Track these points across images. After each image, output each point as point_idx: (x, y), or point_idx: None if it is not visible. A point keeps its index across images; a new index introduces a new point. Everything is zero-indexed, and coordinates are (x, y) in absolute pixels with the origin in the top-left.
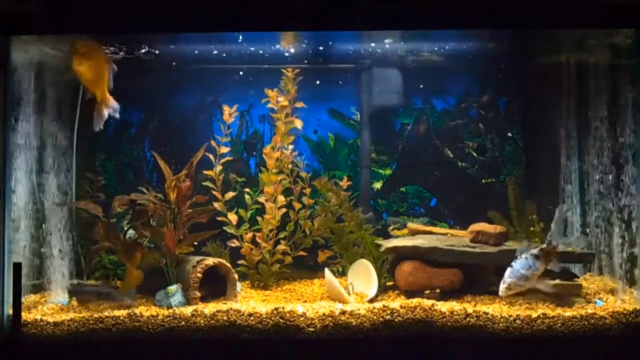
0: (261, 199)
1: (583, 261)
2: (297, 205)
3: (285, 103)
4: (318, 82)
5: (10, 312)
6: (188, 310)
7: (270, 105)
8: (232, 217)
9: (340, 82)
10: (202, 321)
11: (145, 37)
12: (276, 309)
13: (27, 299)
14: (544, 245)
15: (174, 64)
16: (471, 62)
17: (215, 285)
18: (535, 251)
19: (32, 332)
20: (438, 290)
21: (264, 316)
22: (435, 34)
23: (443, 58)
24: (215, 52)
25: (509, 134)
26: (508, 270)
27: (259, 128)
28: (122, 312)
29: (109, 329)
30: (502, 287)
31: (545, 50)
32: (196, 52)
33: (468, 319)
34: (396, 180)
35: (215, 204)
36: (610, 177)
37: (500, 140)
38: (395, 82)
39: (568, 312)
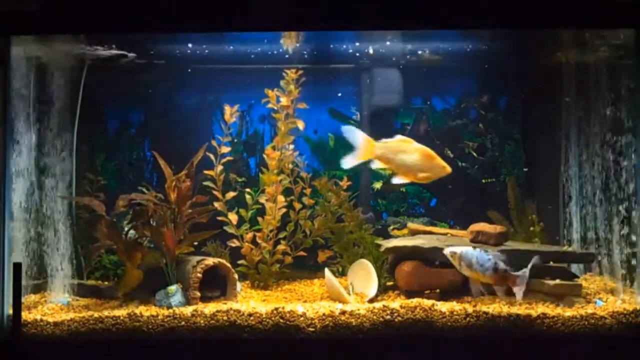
0: (261, 199)
1: (583, 261)
2: (297, 206)
3: (287, 103)
4: (318, 82)
5: (10, 312)
6: (188, 310)
7: (270, 106)
8: (233, 217)
9: (340, 82)
10: (202, 321)
11: (144, 37)
12: (276, 309)
13: (27, 299)
14: (510, 272)
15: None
16: (471, 61)
17: (215, 285)
18: (499, 266)
19: (32, 332)
20: (438, 290)
21: (264, 316)
22: (435, 33)
23: (443, 58)
24: (214, 51)
25: (513, 134)
26: (469, 248)
27: (259, 128)
28: (122, 312)
29: (109, 329)
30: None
31: (545, 49)
32: (196, 51)
33: (468, 319)
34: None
35: (216, 204)
36: (611, 175)
37: (500, 140)
38: (395, 82)
39: (568, 312)
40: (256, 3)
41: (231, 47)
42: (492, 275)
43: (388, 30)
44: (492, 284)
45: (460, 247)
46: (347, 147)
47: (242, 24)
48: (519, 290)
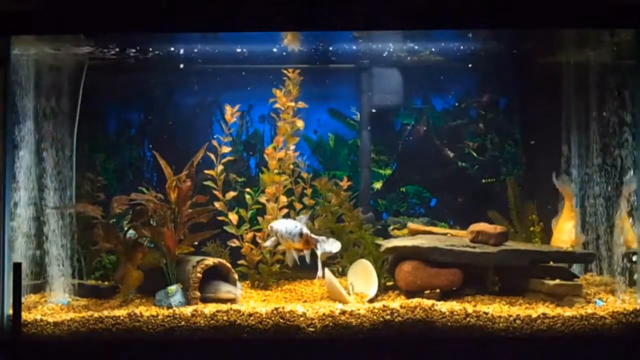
0: (262, 199)
1: (583, 261)
2: (297, 206)
3: (291, 104)
4: (318, 82)
5: (10, 312)
6: (188, 310)
7: (277, 106)
8: (233, 217)
9: (340, 82)
10: (202, 321)
11: (144, 37)
12: (276, 309)
13: (27, 299)
14: (311, 235)
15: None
16: (471, 61)
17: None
18: (303, 230)
19: (32, 332)
20: (438, 290)
21: (264, 316)
22: (435, 33)
23: (443, 58)
24: (213, 51)
25: (513, 134)
26: (281, 220)
27: (259, 128)
28: (122, 312)
29: (109, 329)
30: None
31: (545, 49)
32: (195, 51)
33: (468, 319)
34: (396, 180)
35: (216, 204)
36: (611, 175)
37: (500, 140)
38: (395, 82)
39: (568, 312)
40: (256, 3)
41: (230, 47)
42: (299, 240)
43: (388, 31)
44: (301, 248)
45: (279, 221)
46: (347, 147)
47: (242, 24)
48: (318, 253)
